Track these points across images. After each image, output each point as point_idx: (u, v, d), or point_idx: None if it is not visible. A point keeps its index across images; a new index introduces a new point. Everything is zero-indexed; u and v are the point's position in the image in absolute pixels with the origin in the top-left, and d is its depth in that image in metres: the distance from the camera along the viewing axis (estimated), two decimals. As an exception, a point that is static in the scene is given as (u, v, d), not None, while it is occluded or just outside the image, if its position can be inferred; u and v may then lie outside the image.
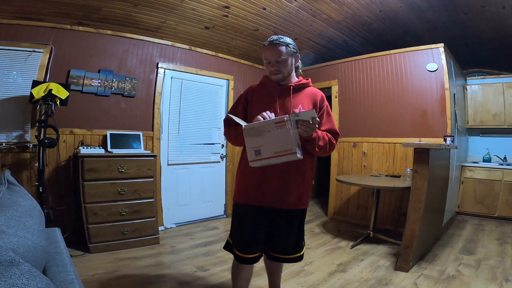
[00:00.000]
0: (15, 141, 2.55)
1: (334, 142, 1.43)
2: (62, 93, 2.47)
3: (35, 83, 2.45)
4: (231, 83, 4.04)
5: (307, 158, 1.42)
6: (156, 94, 3.34)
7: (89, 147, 2.72)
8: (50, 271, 0.86)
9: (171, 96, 3.49)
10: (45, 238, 0.84)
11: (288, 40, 1.39)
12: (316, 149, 1.34)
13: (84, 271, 2.16)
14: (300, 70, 1.56)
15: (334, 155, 4.07)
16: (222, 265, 2.40)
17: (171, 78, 3.48)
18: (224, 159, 3.99)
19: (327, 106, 1.49)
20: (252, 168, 1.32)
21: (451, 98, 3.23)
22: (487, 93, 4.19)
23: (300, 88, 1.47)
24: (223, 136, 3.90)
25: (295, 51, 1.42)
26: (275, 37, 1.38)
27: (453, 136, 3.00)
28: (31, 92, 2.39)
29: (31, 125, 2.63)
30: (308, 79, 1.53)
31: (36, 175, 2.53)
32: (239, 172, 1.50)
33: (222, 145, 3.96)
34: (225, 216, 3.99)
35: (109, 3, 2.57)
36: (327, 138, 1.38)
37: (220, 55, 3.95)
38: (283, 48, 1.36)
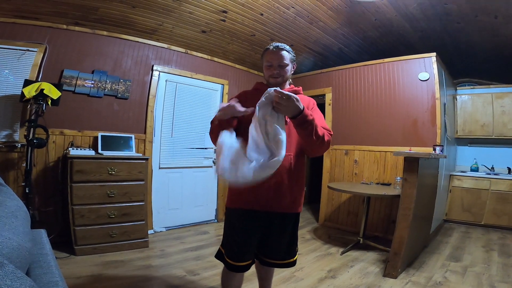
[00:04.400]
0: (3, 140, 2.51)
1: (330, 136, 1.36)
2: (54, 93, 2.45)
3: (27, 82, 2.42)
4: (226, 87, 4.05)
5: (300, 160, 1.44)
6: (150, 97, 3.32)
7: (79, 149, 2.69)
8: (34, 272, 0.84)
9: (165, 99, 3.48)
10: (29, 239, 0.83)
11: (289, 48, 1.45)
12: (314, 137, 1.22)
13: (70, 273, 2.12)
14: (290, 79, 1.58)
15: (326, 162, 4.10)
16: (212, 269, 2.38)
17: (166, 81, 3.47)
18: (217, 163, 3.98)
19: (316, 109, 1.50)
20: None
21: (441, 108, 3.30)
22: (476, 103, 4.29)
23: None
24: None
25: (294, 58, 1.48)
26: (278, 43, 1.43)
27: (442, 146, 3.06)
28: (22, 91, 2.36)
29: (20, 125, 2.58)
30: (299, 87, 1.56)
31: (23, 175, 2.48)
32: None
33: (215, 150, 3.95)
34: (216, 220, 3.97)
35: (107, 4, 2.57)
36: (323, 129, 1.30)
37: (216, 59, 3.96)
38: (287, 54, 1.41)
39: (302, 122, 1.18)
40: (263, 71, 1.48)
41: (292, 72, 1.50)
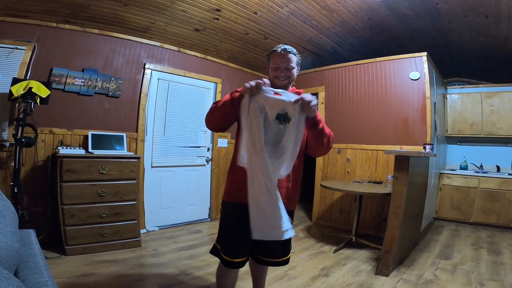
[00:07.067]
0: (-10, 139, 2.45)
1: (332, 135, 1.44)
2: (43, 92, 2.40)
3: (15, 81, 2.37)
4: (219, 86, 4.03)
5: (299, 160, 1.45)
6: (142, 95, 3.29)
7: (69, 147, 2.64)
8: (22, 273, 0.83)
9: (157, 97, 3.45)
10: (18, 239, 0.81)
11: (296, 51, 1.48)
12: (323, 135, 1.33)
13: (60, 273, 2.09)
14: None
15: (319, 160, 4.12)
16: (206, 268, 2.37)
17: (158, 79, 3.44)
18: (210, 162, 3.97)
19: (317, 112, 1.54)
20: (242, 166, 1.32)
21: (431, 107, 3.35)
22: (466, 103, 4.37)
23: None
24: (209, 139, 3.92)
25: (300, 61, 1.51)
26: (286, 46, 1.45)
27: (433, 144, 3.11)
28: (10, 90, 2.31)
29: (8, 123, 2.53)
30: (301, 90, 1.58)
31: (12, 175, 2.43)
32: (230, 170, 1.51)
33: (208, 149, 3.94)
34: (209, 219, 3.96)
35: (99, 1, 2.53)
36: (327, 129, 1.39)
37: (209, 57, 3.94)
38: (294, 57, 1.44)
39: (315, 122, 1.28)
40: (268, 71, 1.50)
41: (297, 74, 1.53)
